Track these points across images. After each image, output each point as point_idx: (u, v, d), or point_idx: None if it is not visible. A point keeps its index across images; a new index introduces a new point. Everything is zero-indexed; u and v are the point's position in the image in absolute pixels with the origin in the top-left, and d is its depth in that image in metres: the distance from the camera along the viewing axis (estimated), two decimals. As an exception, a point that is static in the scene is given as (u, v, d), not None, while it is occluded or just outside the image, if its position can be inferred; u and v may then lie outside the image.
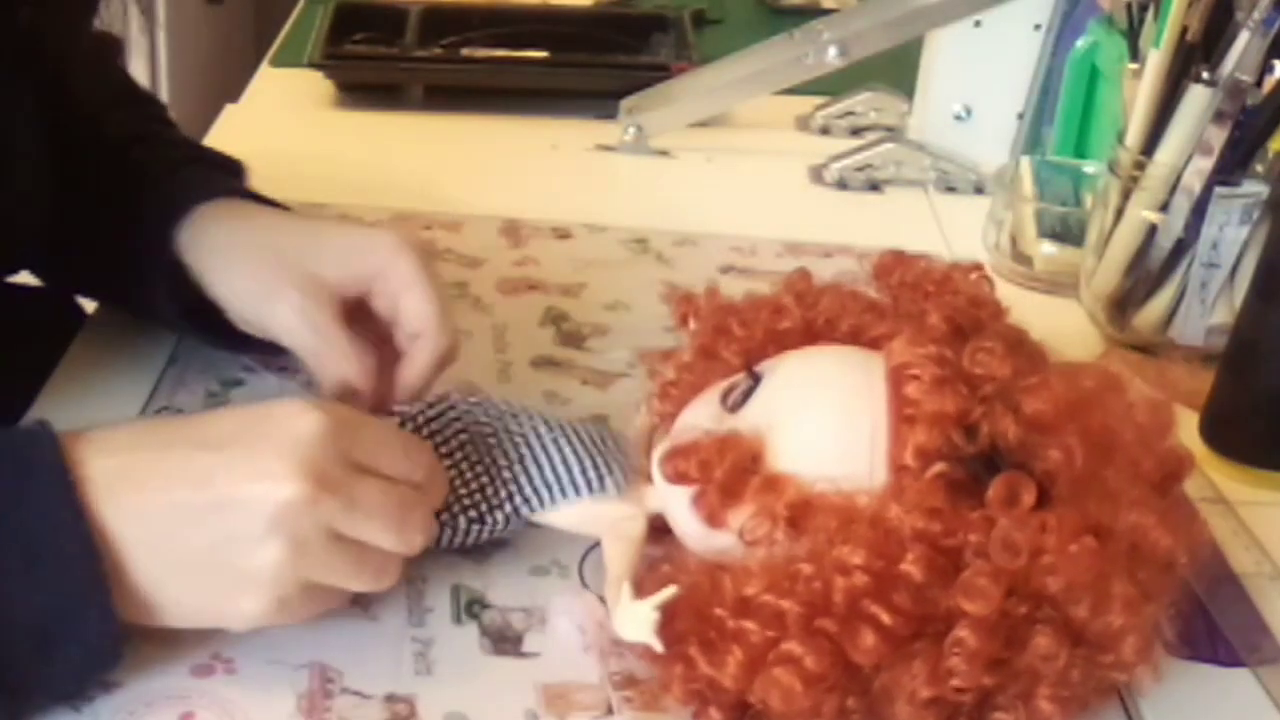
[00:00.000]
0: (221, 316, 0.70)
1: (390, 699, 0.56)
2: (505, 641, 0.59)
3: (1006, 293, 0.93)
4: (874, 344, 0.59)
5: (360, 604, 0.60)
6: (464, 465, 0.61)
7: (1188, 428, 0.77)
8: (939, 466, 0.53)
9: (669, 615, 0.54)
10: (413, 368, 0.67)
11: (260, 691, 0.56)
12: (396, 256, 0.67)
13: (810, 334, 0.62)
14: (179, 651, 0.57)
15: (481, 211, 0.98)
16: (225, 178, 0.77)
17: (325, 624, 0.58)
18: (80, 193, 0.75)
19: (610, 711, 0.56)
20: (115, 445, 0.54)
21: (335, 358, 0.66)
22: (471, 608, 0.61)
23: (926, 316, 0.59)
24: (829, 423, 0.57)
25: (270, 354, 0.74)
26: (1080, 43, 1.04)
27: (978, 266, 0.66)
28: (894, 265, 0.65)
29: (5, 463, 0.53)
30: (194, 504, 0.53)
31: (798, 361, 0.60)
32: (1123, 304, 0.87)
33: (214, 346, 0.75)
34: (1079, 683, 0.52)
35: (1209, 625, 0.63)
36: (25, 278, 0.82)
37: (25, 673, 0.52)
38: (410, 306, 0.67)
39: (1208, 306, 0.84)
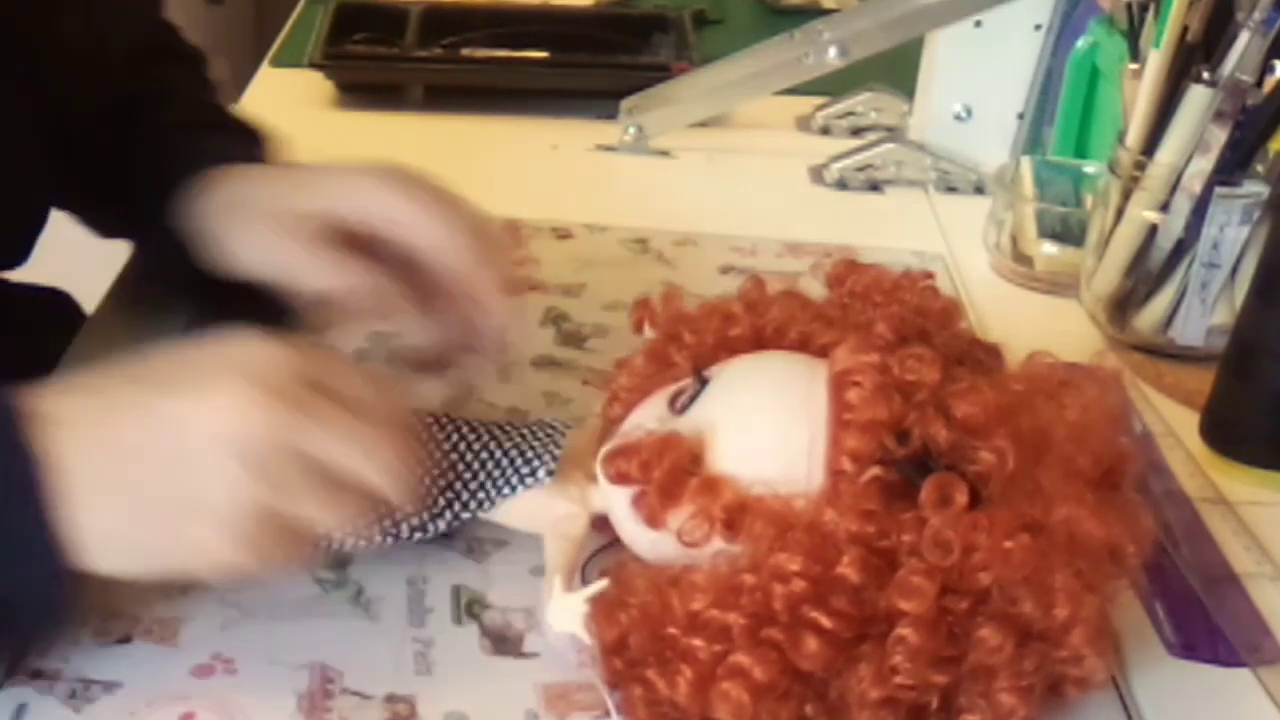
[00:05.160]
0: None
1: (390, 699, 0.56)
2: (505, 642, 0.59)
3: (1007, 293, 0.95)
4: (822, 352, 0.60)
5: (360, 605, 0.60)
6: None
7: (1188, 428, 0.77)
8: (873, 470, 0.54)
9: (624, 637, 0.54)
10: (484, 312, 0.63)
11: (260, 691, 0.56)
12: (378, 192, 0.64)
13: (759, 341, 0.63)
14: (179, 651, 0.57)
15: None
16: (242, 146, 0.76)
17: (325, 624, 0.58)
18: (100, 147, 0.75)
19: (610, 713, 0.56)
20: (67, 388, 0.52)
21: (301, 271, 0.63)
22: (472, 608, 0.61)
23: (873, 325, 0.59)
24: (769, 426, 0.57)
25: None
26: (1081, 43, 1.04)
27: (928, 275, 0.66)
28: (846, 274, 0.66)
29: None
30: (143, 433, 0.50)
31: (743, 366, 0.61)
32: (1123, 304, 0.87)
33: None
34: (1035, 671, 0.53)
35: (1209, 625, 0.63)
36: (24, 275, 0.82)
37: None
38: (422, 245, 0.63)
39: (1208, 307, 0.84)
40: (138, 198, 0.73)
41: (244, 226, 0.66)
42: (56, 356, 0.77)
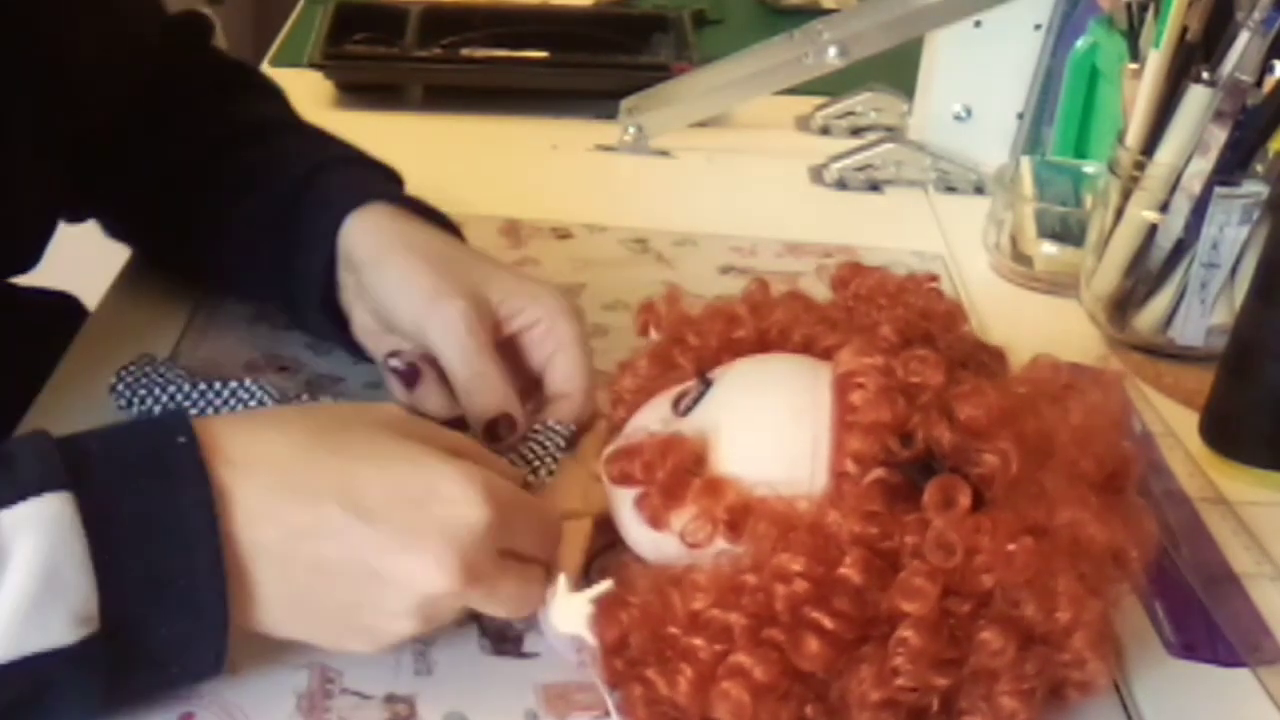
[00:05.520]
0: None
1: (390, 699, 0.56)
2: (505, 642, 0.59)
3: (1007, 293, 0.95)
4: (826, 354, 0.60)
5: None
6: None
7: (1188, 428, 0.77)
8: (876, 472, 0.54)
9: (625, 637, 0.55)
10: (554, 418, 0.66)
11: (260, 691, 0.56)
12: (560, 314, 0.67)
13: (763, 344, 0.63)
14: (179, 651, 0.57)
15: (481, 211, 0.98)
16: (387, 181, 0.76)
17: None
18: (197, 180, 0.76)
19: (610, 713, 0.56)
20: (263, 462, 0.52)
21: (490, 382, 0.65)
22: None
23: (878, 328, 0.59)
24: (773, 428, 0.57)
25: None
26: (1080, 43, 1.04)
27: (933, 278, 0.66)
28: (850, 276, 0.66)
29: (148, 476, 0.51)
30: (340, 564, 0.52)
31: (747, 367, 0.61)
32: (1123, 304, 0.87)
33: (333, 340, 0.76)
34: (1036, 675, 0.53)
35: (1209, 625, 0.63)
36: (33, 279, 0.82)
37: (125, 680, 0.51)
38: (563, 368, 0.67)
39: (1208, 307, 0.84)
40: (274, 221, 0.73)
41: (442, 290, 0.66)
42: (56, 358, 0.77)
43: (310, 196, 0.72)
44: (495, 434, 0.64)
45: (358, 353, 0.74)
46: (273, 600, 0.52)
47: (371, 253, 0.69)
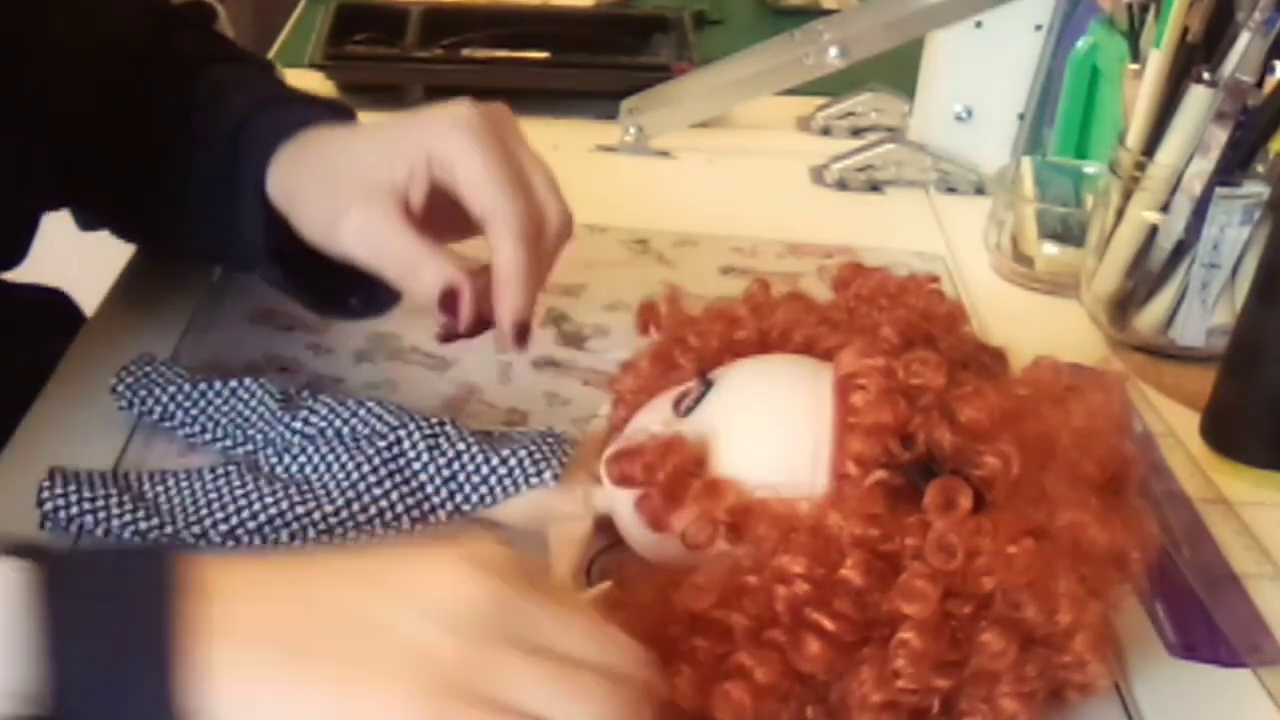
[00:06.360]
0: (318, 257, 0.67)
1: (390, 699, 0.56)
2: (506, 642, 0.59)
3: (1007, 294, 0.94)
4: (827, 355, 0.60)
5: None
6: (404, 464, 0.63)
7: (1189, 428, 0.77)
8: (878, 474, 0.54)
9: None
10: (497, 258, 0.60)
11: (260, 692, 0.55)
12: (450, 132, 0.62)
13: (765, 345, 0.63)
14: (179, 652, 0.57)
15: (482, 212, 0.98)
16: (305, 109, 0.73)
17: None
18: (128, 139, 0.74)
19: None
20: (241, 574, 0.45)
21: (414, 267, 0.61)
22: (472, 608, 0.61)
23: (879, 329, 0.59)
24: (774, 429, 0.57)
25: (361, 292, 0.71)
26: (1081, 43, 1.04)
27: (934, 279, 0.66)
28: (852, 277, 0.66)
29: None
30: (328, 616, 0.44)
31: (748, 368, 0.61)
32: (1124, 305, 0.87)
33: (308, 297, 0.73)
34: (1037, 676, 0.53)
35: (1209, 625, 0.63)
36: (22, 276, 0.82)
37: None
38: (463, 180, 0.61)
39: (1208, 307, 0.84)
40: (195, 179, 0.71)
41: (354, 210, 0.63)
42: (56, 357, 0.77)
43: (242, 158, 0.70)
44: (448, 308, 0.61)
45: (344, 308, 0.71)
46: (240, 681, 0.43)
47: (283, 206, 0.67)
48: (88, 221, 0.84)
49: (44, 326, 0.81)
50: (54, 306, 0.88)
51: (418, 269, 0.62)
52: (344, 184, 0.65)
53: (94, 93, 0.77)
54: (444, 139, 0.63)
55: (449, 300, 0.62)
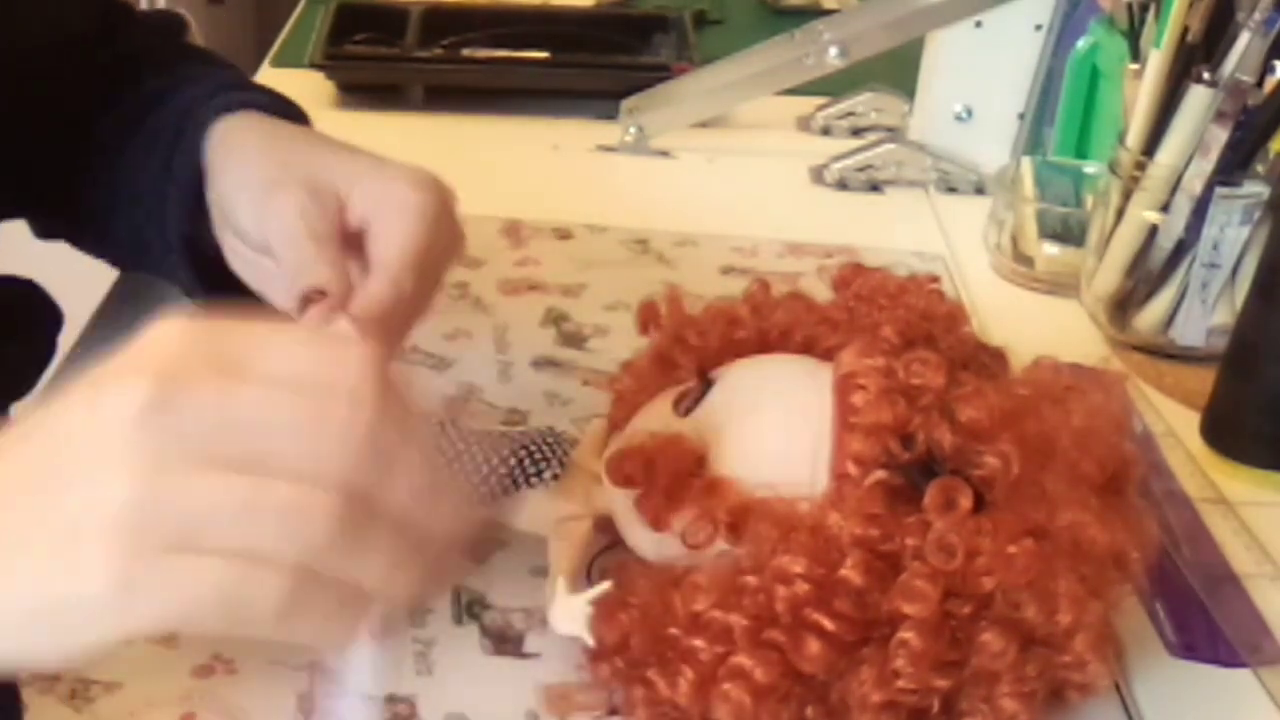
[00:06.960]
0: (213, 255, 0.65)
1: (390, 699, 0.56)
2: (506, 642, 0.59)
3: (1007, 293, 0.95)
4: (827, 355, 0.60)
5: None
6: None
7: (1189, 428, 0.77)
8: (878, 474, 0.54)
9: (625, 638, 0.54)
10: (355, 303, 0.57)
11: (260, 691, 0.56)
12: (410, 190, 0.60)
13: (765, 344, 0.63)
14: (179, 651, 0.57)
15: (482, 212, 0.98)
16: (260, 95, 0.72)
17: (326, 624, 0.58)
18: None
19: (612, 712, 0.56)
20: None
21: (314, 264, 0.59)
22: (472, 608, 0.61)
23: (879, 329, 0.59)
24: (774, 429, 0.57)
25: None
26: (1081, 43, 1.04)
27: (934, 279, 0.66)
28: (852, 277, 0.66)
29: None
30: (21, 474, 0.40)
31: (748, 369, 0.61)
32: (1124, 304, 0.87)
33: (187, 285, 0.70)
34: (1037, 676, 0.53)
35: (1209, 625, 0.63)
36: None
37: None
38: (380, 233, 0.59)
39: (1208, 307, 0.84)
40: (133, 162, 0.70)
41: (279, 183, 0.61)
42: (26, 352, 0.76)
43: (182, 144, 0.68)
44: (306, 308, 0.58)
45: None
46: None
47: (218, 161, 0.65)
48: (43, 230, 0.83)
49: (14, 319, 0.79)
50: (24, 299, 0.86)
51: (311, 268, 0.59)
52: (298, 164, 0.62)
53: (41, 93, 0.76)
54: (401, 197, 0.61)
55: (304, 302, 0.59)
